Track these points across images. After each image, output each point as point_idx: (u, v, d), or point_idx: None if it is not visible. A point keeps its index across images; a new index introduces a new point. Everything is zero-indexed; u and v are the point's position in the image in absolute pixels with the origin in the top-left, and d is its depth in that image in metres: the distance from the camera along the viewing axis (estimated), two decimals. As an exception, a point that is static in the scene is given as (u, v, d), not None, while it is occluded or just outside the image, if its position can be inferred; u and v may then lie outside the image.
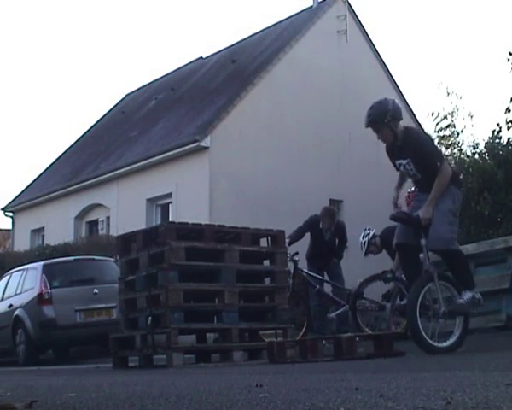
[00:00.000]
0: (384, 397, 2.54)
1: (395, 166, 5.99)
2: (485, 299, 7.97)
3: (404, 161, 5.80)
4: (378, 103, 5.84)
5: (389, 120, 5.72)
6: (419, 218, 5.56)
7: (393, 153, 5.91)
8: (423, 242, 5.66)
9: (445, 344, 5.57)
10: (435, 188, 5.57)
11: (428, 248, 5.66)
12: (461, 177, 5.76)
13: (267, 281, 7.63)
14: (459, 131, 26.76)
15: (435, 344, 5.51)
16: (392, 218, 5.87)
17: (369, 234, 9.13)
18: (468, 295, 5.60)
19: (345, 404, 2.43)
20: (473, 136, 32.03)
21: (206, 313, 7.28)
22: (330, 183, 18.25)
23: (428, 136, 5.96)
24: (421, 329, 5.42)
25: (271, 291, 7.43)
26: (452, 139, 26.81)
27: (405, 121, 21.35)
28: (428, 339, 5.46)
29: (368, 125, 5.85)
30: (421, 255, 5.83)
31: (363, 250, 9.16)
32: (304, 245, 9.96)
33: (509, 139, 14.66)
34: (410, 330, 5.69)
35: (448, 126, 26.88)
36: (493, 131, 14.92)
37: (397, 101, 5.97)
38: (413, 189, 9.52)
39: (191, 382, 4.20)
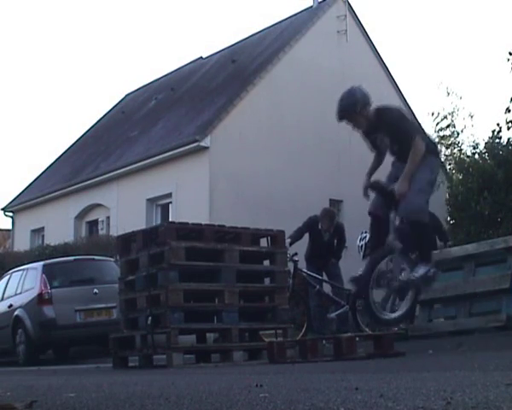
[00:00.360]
0: (384, 397, 2.54)
1: (371, 143, 6.04)
2: (485, 299, 8.03)
3: (380, 135, 5.90)
4: (347, 94, 5.87)
5: (360, 109, 5.77)
6: (393, 191, 5.61)
7: (369, 133, 5.98)
8: (392, 215, 5.70)
9: (393, 316, 5.75)
10: (409, 162, 5.60)
11: (400, 215, 5.69)
12: (438, 146, 5.80)
13: (267, 281, 7.63)
14: (459, 131, 26.73)
15: (383, 316, 5.66)
16: (369, 185, 5.95)
17: (365, 237, 9.16)
18: (421, 270, 5.64)
19: (345, 404, 2.43)
20: (473, 136, 31.97)
21: (206, 313, 7.28)
22: (330, 183, 18.25)
23: (399, 110, 6.01)
24: (372, 300, 5.57)
25: (271, 291, 7.43)
26: (452, 139, 26.77)
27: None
28: (376, 310, 5.61)
29: (341, 119, 5.90)
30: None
31: (361, 253, 9.19)
32: (303, 246, 9.96)
33: (509, 139, 14.66)
34: (363, 299, 5.80)
35: (448, 126, 26.84)
36: (493, 131, 14.92)
37: (363, 87, 5.96)
38: None
39: (191, 382, 4.20)
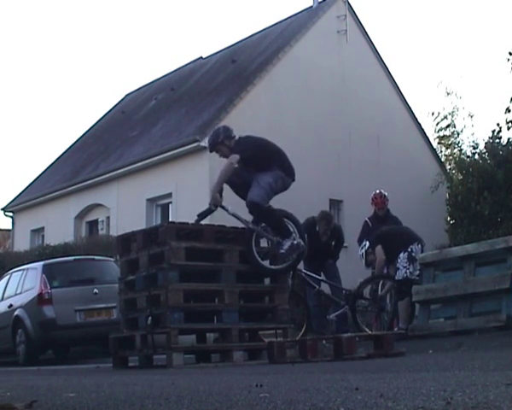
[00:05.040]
0: (384, 397, 2.54)
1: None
2: (485, 299, 8.03)
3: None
4: (212, 133, 7.60)
5: (222, 140, 7.34)
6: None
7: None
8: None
9: (275, 267, 7.28)
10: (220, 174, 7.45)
11: (247, 204, 7.13)
12: (293, 171, 7.45)
13: (267, 281, 7.62)
14: (459, 131, 26.70)
15: (267, 266, 7.24)
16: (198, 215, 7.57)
17: (365, 245, 9.42)
18: (287, 244, 7.10)
19: (345, 404, 2.43)
20: (473, 136, 31.94)
21: (206, 313, 7.28)
22: (330, 183, 18.25)
23: (252, 141, 7.56)
24: (257, 256, 7.05)
25: (271, 291, 7.43)
26: (452, 139, 26.75)
27: (405, 121, 21.44)
28: (261, 261, 7.12)
29: (211, 150, 7.62)
30: None
31: (363, 261, 9.49)
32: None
33: (509, 139, 14.68)
34: (250, 260, 7.05)
35: (448, 126, 26.81)
36: (493, 131, 14.94)
37: (227, 125, 7.66)
38: (378, 191, 9.88)
39: (191, 382, 4.20)
